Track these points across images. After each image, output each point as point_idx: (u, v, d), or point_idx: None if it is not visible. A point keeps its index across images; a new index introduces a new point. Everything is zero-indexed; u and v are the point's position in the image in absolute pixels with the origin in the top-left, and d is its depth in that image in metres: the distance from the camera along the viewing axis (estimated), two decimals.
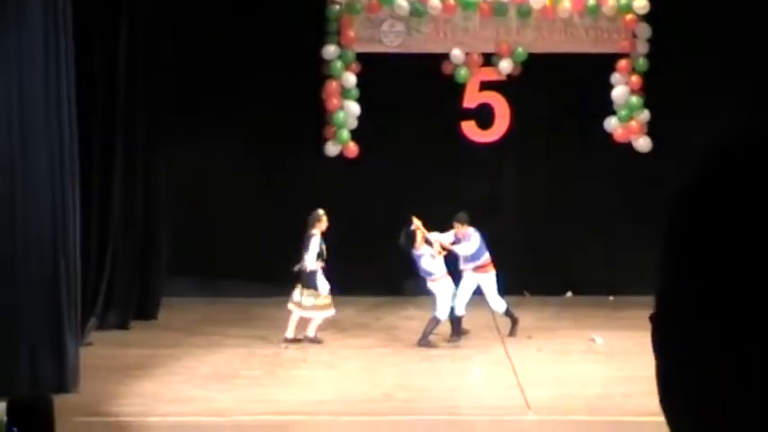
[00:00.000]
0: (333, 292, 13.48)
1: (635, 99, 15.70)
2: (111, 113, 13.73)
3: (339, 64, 15.55)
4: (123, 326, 14.12)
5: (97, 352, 12.68)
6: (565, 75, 15.35)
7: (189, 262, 15.43)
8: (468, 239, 13.48)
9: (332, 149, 15.70)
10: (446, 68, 15.68)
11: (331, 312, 13.41)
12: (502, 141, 15.84)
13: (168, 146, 14.76)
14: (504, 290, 13.73)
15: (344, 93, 15.64)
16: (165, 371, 12.18)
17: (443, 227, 13.54)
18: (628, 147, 15.74)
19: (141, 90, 14.05)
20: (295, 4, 15.26)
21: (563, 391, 11.43)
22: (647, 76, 15.66)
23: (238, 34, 15.15)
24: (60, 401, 9.98)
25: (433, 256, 13.33)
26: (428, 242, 13.40)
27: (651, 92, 15.61)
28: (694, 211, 1.02)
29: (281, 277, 14.47)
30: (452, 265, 13.55)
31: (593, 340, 13.50)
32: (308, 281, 13.27)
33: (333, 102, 15.62)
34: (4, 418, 9.07)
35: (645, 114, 15.72)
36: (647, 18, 15.49)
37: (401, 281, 15.29)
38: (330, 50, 15.53)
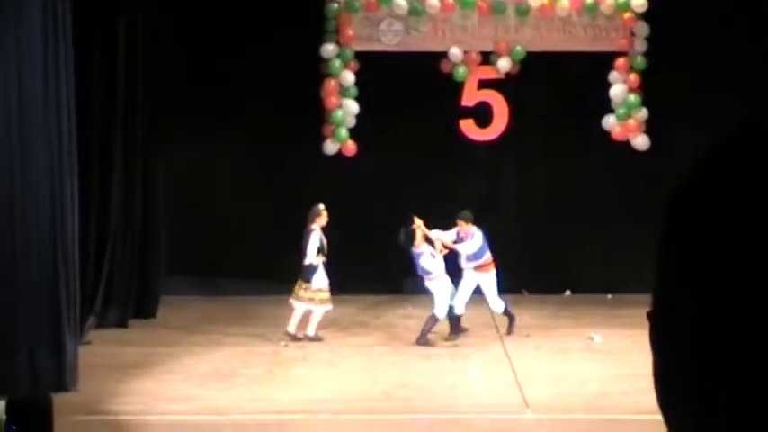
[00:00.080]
0: (333, 290, 13.48)
1: (633, 97, 15.69)
2: (111, 113, 13.72)
3: (338, 62, 15.54)
4: (122, 324, 14.11)
5: (96, 350, 12.67)
6: (563, 73, 15.34)
7: (188, 261, 15.42)
8: (471, 238, 13.49)
9: (331, 148, 15.69)
10: (444, 67, 15.67)
11: (329, 307, 13.40)
12: (500, 140, 15.83)
13: (168, 145, 14.75)
14: (502, 288, 13.73)
15: (343, 91, 15.63)
16: (165, 369, 12.18)
17: (441, 225, 13.53)
18: (626, 145, 15.73)
19: (141, 89, 14.04)
20: (294, 3, 15.24)
21: (561, 390, 11.43)
22: (645, 75, 15.64)
23: (238, 34, 15.14)
24: (59, 400, 9.98)
25: (432, 255, 13.33)
26: (429, 240, 13.40)
27: (649, 90, 15.60)
28: (693, 210, 1.02)
29: (280, 276, 14.49)
30: (452, 263, 13.55)
31: (592, 338, 13.51)
32: (308, 275, 13.28)
33: (331, 100, 15.60)
34: (4, 417, 9.08)
35: (643, 113, 15.72)
36: (645, 16, 15.48)
37: (400, 279, 15.28)
38: (329, 49, 15.52)
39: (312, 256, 13.21)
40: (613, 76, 15.76)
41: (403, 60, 15.40)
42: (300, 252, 13.27)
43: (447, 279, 13.38)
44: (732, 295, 0.98)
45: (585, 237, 15.70)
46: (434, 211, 13.58)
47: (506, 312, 13.81)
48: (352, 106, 15.60)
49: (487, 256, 13.58)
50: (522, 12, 15.52)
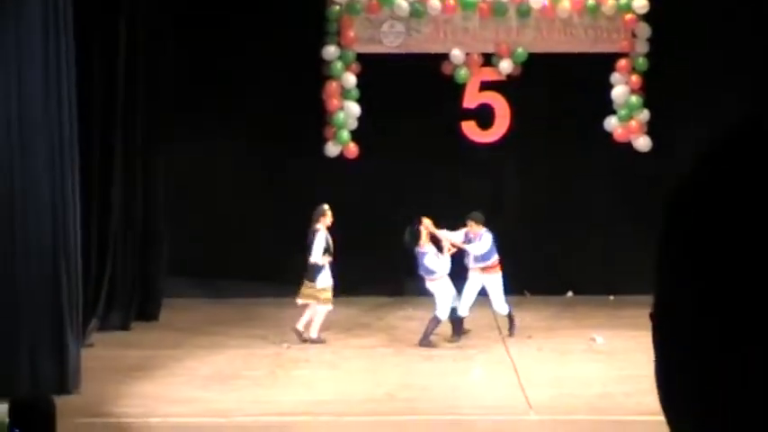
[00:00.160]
0: (335, 292, 13.49)
1: (635, 99, 15.69)
2: (111, 112, 13.71)
3: (339, 64, 15.54)
4: (124, 327, 14.11)
5: (98, 353, 12.66)
6: (564, 74, 15.33)
7: (189, 261, 15.42)
8: (480, 239, 13.50)
9: (332, 150, 15.68)
10: (446, 69, 15.66)
11: (330, 307, 13.39)
12: (502, 141, 15.82)
13: (169, 144, 14.75)
14: (504, 289, 13.73)
15: (345, 93, 15.63)
16: (167, 372, 12.17)
17: (443, 227, 13.53)
18: (627, 146, 15.72)
19: (141, 88, 14.04)
20: (295, 4, 15.24)
21: (564, 391, 11.43)
22: (646, 76, 15.64)
23: (238, 33, 15.14)
24: (62, 403, 9.95)
25: (437, 255, 13.32)
26: (435, 240, 13.40)
27: (651, 91, 15.59)
28: (693, 210, 1.02)
29: (281, 277, 14.50)
30: (457, 264, 13.52)
31: (594, 340, 13.50)
32: (314, 274, 13.29)
33: (333, 102, 15.60)
34: (6, 420, 9.07)
35: (644, 114, 15.71)
36: (646, 17, 15.47)
37: (402, 281, 15.28)
38: (330, 51, 15.52)
39: (318, 256, 13.23)
40: (615, 77, 15.75)
41: (404, 62, 15.40)
42: (306, 252, 13.28)
43: (448, 280, 13.37)
44: (732, 295, 0.98)
45: (587, 238, 15.70)
46: (436, 212, 13.57)
47: (509, 315, 13.81)
48: (354, 108, 15.60)
49: (495, 257, 13.60)
50: (524, 13, 15.52)
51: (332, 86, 15.56)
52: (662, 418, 1.06)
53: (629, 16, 15.48)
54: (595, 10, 15.51)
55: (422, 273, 13.46)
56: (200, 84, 15.10)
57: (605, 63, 15.61)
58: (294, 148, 15.46)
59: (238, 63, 15.13)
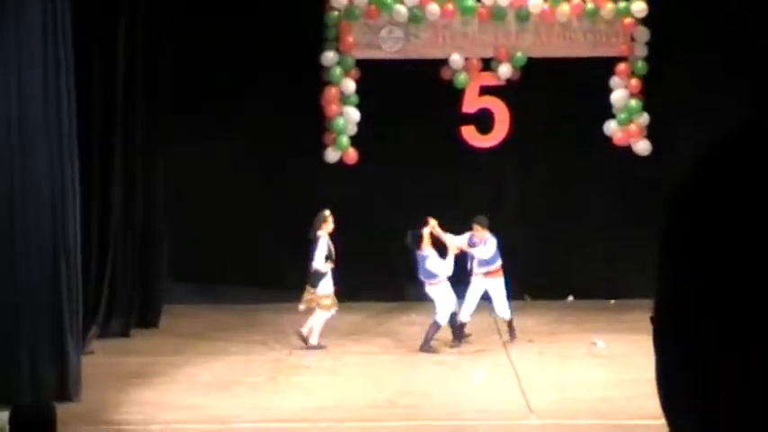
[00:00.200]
0: (338, 298, 13.51)
1: (634, 102, 15.70)
2: (111, 113, 13.73)
3: (338, 70, 15.54)
4: (125, 334, 14.11)
5: (98, 360, 12.67)
6: (564, 79, 15.34)
7: (189, 267, 15.42)
8: (485, 243, 13.51)
9: (332, 156, 15.68)
10: (445, 74, 15.67)
11: (329, 313, 13.40)
12: (502, 146, 15.84)
13: (168, 145, 14.76)
14: (507, 294, 13.74)
15: (344, 99, 15.63)
16: (167, 379, 12.17)
17: (444, 232, 13.54)
18: (627, 150, 15.73)
19: (141, 89, 14.05)
20: (294, 9, 15.25)
21: (565, 395, 11.43)
22: (646, 80, 15.65)
23: (238, 34, 15.16)
24: (62, 410, 9.97)
25: (440, 258, 13.30)
26: (438, 243, 13.39)
27: (650, 95, 15.60)
28: (694, 207, 1.02)
29: (281, 284, 14.50)
30: (460, 269, 13.52)
31: (595, 344, 13.50)
32: (315, 281, 13.29)
33: (332, 108, 15.60)
34: (7, 427, 9.07)
35: (644, 118, 15.72)
36: (645, 21, 15.49)
37: (403, 287, 15.28)
38: (329, 57, 15.52)
39: (320, 263, 13.23)
40: (614, 81, 15.77)
41: (403, 67, 15.41)
42: (308, 260, 13.28)
43: (448, 285, 13.37)
44: (733, 292, 0.98)
45: (588, 242, 15.71)
46: (436, 217, 13.57)
47: (509, 321, 13.81)
48: (353, 114, 15.61)
49: (499, 262, 13.61)
50: (523, 17, 15.54)
51: (331, 92, 15.57)
52: (663, 421, 1.05)
53: (628, 20, 15.50)
54: (594, 14, 15.53)
55: (422, 277, 13.46)
56: (199, 85, 15.11)
57: (604, 67, 15.63)
58: (293, 150, 15.47)
59: (237, 65, 15.15)
